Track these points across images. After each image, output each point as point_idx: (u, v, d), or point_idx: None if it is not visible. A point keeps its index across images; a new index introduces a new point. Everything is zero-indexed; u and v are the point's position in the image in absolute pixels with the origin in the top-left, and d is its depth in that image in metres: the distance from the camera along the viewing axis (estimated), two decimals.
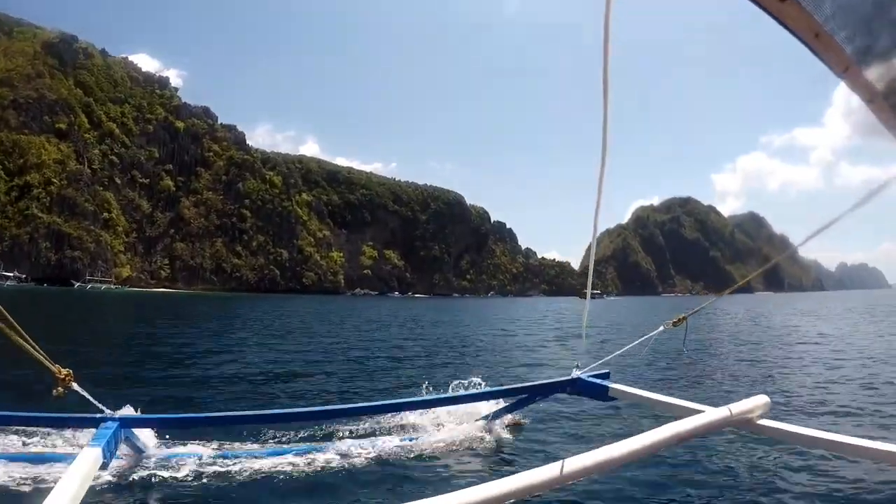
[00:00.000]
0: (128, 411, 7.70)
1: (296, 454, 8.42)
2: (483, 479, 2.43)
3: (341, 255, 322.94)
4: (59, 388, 6.54)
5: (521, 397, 9.70)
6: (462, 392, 10.12)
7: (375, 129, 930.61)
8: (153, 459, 7.96)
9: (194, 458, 8.10)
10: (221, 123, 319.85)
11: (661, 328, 8.20)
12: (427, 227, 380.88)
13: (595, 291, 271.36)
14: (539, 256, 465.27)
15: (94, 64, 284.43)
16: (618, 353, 8.71)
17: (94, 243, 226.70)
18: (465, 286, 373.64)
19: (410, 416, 10.08)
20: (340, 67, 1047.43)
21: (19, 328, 6.01)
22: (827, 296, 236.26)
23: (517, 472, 2.63)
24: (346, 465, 8.17)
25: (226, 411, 11.24)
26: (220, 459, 8.14)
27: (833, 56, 1.42)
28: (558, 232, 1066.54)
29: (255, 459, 8.20)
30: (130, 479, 7.43)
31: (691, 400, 7.28)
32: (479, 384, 10.56)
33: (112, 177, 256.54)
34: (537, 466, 2.63)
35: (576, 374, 8.69)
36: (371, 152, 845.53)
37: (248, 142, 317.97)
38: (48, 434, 8.67)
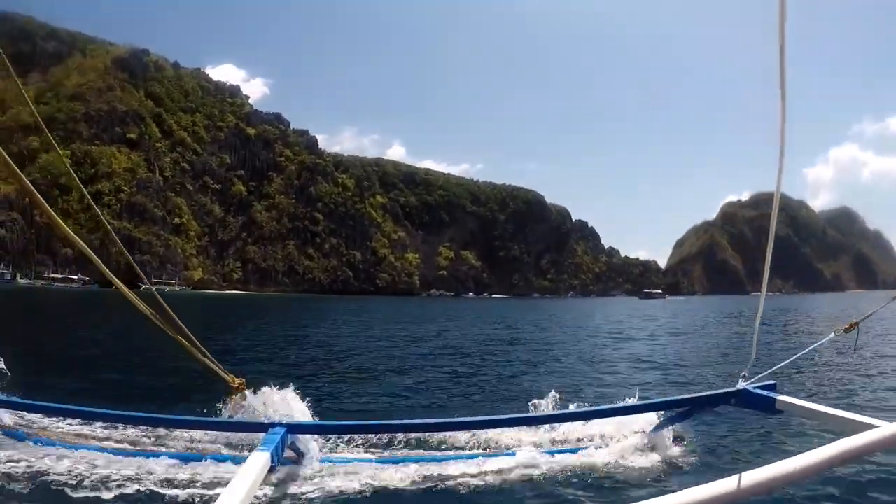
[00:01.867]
0: (293, 417, 8.18)
1: (458, 462, 8.43)
2: (651, 494, 2.33)
3: (417, 256, 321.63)
4: (233, 396, 7.35)
5: (684, 409, 9.04)
6: (623, 404, 9.98)
7: (462, 132, 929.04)
8: (317, 465, 8.14)
9: (356, 464, 8.29)
10: (293, 129, 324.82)
11: (832, 335, 8.12)
12: (506, 227, 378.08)
13: (656, 291, 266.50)
14: (623, 255, 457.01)
15: (165, 76, 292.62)
16: (786, 362, 8.59)
17: (164, 247, 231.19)
18: (546, 286, 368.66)
19: (573, 428, 9.88)
20: (425, 70, 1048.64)
21: (196, 340, 6.86)
22: None
23: (685, 486, 2.61)
24: (506, 477, 8.04)
25: (387, 419, 10.90)
26: (384, 466, 8.23)
27: None
28: (646, 230, 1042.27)
29: (417, 467, 8.18)
30: (295, 483, 7.71)
31: (863, 413, 7.06)
32: (641, 397, 10.44)
33: (184, 183, 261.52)
34: (710, 481, 2.64)
35: (741, 385, 7.99)
36: (457, 154, 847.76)
37: (334, 147, 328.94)
38: (217, 437, 9.11)
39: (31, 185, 5.31)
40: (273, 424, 7.21)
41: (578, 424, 9.81)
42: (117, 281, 6.24)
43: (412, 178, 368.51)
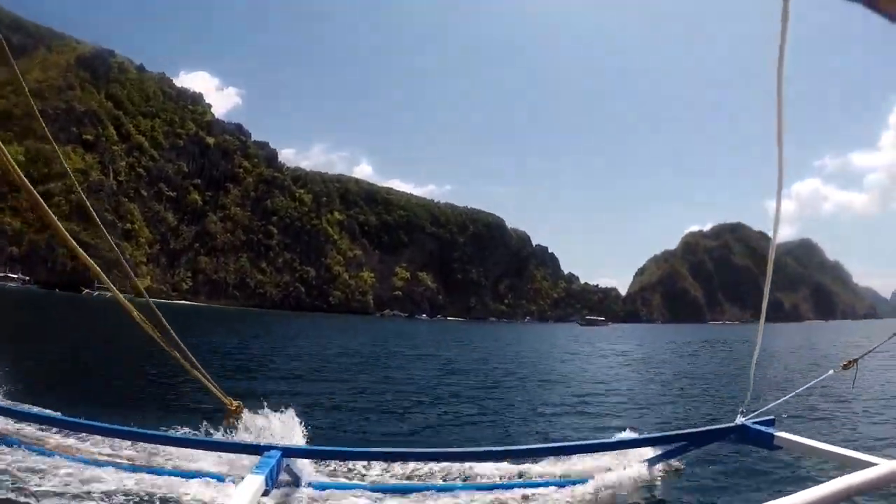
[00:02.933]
0: (289, 441, 8.44)
1: (458, 494, 8.50)
2: None
3: (372, 275, 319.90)
4: (230, 419, 7.72)
5: (681, 444, 9.29)
6: (619, 438, 10.17)
7: (430, 153, 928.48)
8: (311, 490, 8.25)
9: (350, 490, 8.39)
10: (254, 140, 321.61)
11: (831, 371, 8.27)
12: (465, 250, 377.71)
13: (599, 318, 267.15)
14: (583, 282, 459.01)
15: (128, 78, 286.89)
16: (784, 398, 8.70)
17: (111, 252, 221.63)
18: (503, 310, 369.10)
19: (568, 461, 9.92)
20: (396, 90, 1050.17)
21: (193, 358, 7.20)
22: (885, 323, 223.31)
23: None
24: None
25: (383, 447, 11.11)
26: (378, 494, 8.32)
27: None
28: (611, 259, 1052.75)
29: (411, 497, 8.36)
30: None
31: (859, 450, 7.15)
32: (638, 431, 10.91)
33: (138, 189, 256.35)
34: None
35: (740, 420, 8.36)
36: (425, 175, 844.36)
37: (303, 162, 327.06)
38: (213, 458, 9.04)
39: (38, 196, 5.83)
40: (268, 447, 7.30)
41: (574, 457, 9.80)
42: (120, 295, 6.45)
43: (373, 196, 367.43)
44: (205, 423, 9.40)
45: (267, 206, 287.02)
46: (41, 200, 5.97)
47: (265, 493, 6.34)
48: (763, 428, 7.99)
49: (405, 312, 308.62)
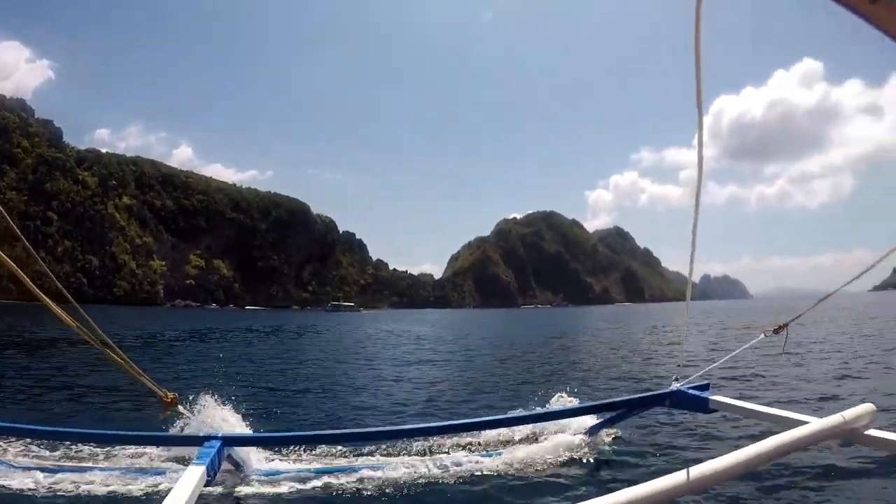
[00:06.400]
0: (230, 429, 8.64)
1: (394, 470, 8.75)
2: (583, 497, 2.33)
3: (163, 263, 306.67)
4: (167, 411, 7.48)
5: (620, 411, 9.69)
6: (559, 407, 10.74)
7: (254, 136, 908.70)
8: (255, 477, 8.42)
9: (295, 474, 8.58)
10: (37, 118, 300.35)
11: (762, 336, 8.17)
12: (267, 236, 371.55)
13: (348, 304, 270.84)
14: (391, 268, 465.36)
15: None
16: (717, 363, 8.86)
17: None
18: (307, 298, 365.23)
19: (507, 432, 10.40)
20: (222, 70, 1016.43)
21: (124, 354, 6.99)
22: (693, 305, 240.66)
23: (619, 487, 2.76)
24: (447, 481, 8.41)
25: (325, 429, 11.55)
26: (321, 476, 8.52)
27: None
28: (433, 245, 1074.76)
29: (354, 475, 8.54)
30: (233, 496, 7.91)
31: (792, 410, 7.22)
32: (574, 400, 11.51)
33: None
34: (639, 482, 2.80)
35: (675, 386, 8.54)
36: (248, 160, 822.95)
37: (119, 143, 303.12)
38: (153, 452, 9.25)
39: None
40: (208, 437, 7.33)
41: (516, 428, 10.35)
42: (44, 296, 6.61)
43: (171, 179, 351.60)
44: (141, 418, 9.73)
45: (46, 190, 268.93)
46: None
47: (207, 484, 6.38)
48: (698, 392, 8.26)
49: (198, 302, 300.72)
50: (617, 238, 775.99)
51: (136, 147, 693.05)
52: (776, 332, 7.90)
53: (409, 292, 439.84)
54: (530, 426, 10.38)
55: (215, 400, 9.65)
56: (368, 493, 7.94)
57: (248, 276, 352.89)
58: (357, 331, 64.88)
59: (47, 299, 6.70)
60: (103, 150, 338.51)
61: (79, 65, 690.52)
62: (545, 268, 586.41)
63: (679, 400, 8.45)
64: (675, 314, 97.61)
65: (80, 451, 9.40)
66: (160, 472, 8.40)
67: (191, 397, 9.21)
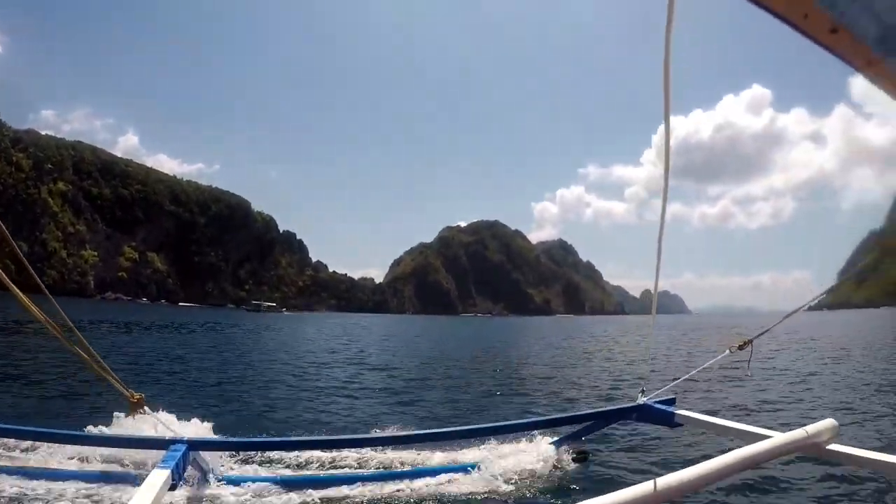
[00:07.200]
0: (196, 433, 8.61)
1: (361, 480, 8.74)
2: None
3: (95, 254, 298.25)
4: (133, 412, 7.41)
5: (586, 424, 9.64)
6: (525, 420, 10.52)
7: (204, 128, 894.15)
8: (220, 481, 8.33)
9: (260, 481, 8.45)
10: None
11: (727, 352, 8.04)
12: (205, 232, 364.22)
13: (270, 304, 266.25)
14: (331, 270, 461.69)
15: None
16: (683, 378, 8.75)
17: None
18: (243, 297, 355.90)
19: (473, 443, 10.20)
20: (176, 58, 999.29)
21: (97, 355, 6.87)
22: (632, 319, 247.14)
23: (586, 499, 2.81)
24: (410, 492, 8.41)
25: (293, 436, 11.40)
26: (286, 483, 8.45)
27: (887, 80, 1.38)
28: (379, 250, 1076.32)
29: (319, 484, 8.50)
30: (198, 500, 7.83)
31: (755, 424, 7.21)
32: (542, 413, 11.61)
33: None
34: (603, 494, 2.84)
35: (641, 400, 8.58)
36: (195, 152, 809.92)
37: (63, 126, 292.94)
38: (119, 454, 8.91)
39: None
40: (174, 441, 7.29)
41: (482, 440, 10.16)
42: (14, 287, 6.29)
43: (111, 167, 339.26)
44: (104, 419, 9.38)
45: None
46: None
47: (172, 488, 6.37)
48: (664, 406, 8.34)
49: (129, 296, 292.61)
50: (560, 251, 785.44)
51: (80, 131, 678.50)
52: (741, 347, 7.86)
53: (347, 296, 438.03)
54: (496, 438, 10.18)
55: (182, 403, 9.83)
56: (333, 501, 8.01)
57: (184, 271, 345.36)
58: (262, 333, 62.38)
59: (16, 289, 6.35)
60: (43, 133, 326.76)
61: (29, 41, 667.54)
62: (487, 277, 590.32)
63: (645, 414, 8.53)
64: (623, 327, 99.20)
65: (37, 450, 9.11)
66: (123, 475, 8.26)
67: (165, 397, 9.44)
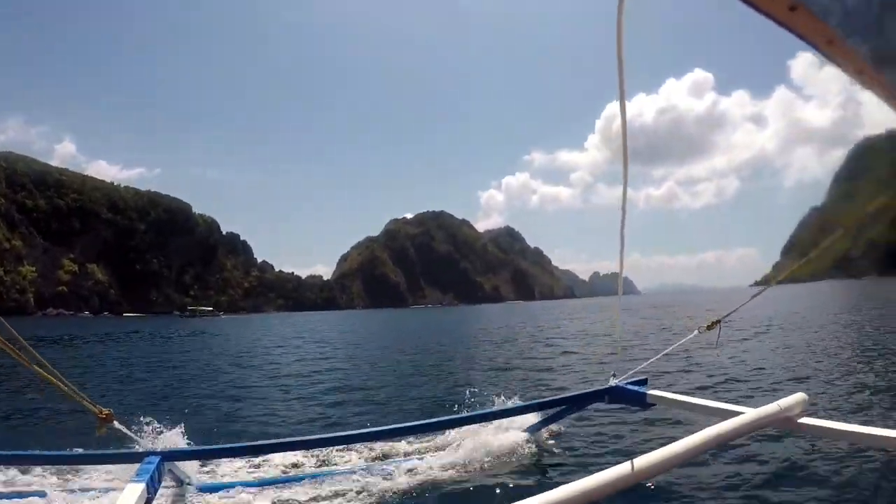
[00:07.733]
0: (170, 443, 8.46)
1: (340, 478, 8.68)
2: (526, 494, 3.08)
3: (33, 269, 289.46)
4: (102, 428, 7.19)
5: (560, 409, 9.77)
6: (498, 408, 10.52)
7: (142, 132, 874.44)
8: (197, 491, 8.24)
9: (238, 486, 8.35)
10: None
11: (696, 332, 8.24)
12: (145, 238, 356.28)
13: (205, 308, 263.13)
14: (277, 270, 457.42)
15: None
16: (653, 359, 8.92)
17: None
18: (189, 303, 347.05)
19: (448, 434, 10.26)
20: (112, 59, 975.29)
21: (59, 374, 6.81)
22: (581, 302, 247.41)
23: (564, 482, 2.79)
24: (388, 485, 8.28)
25: (267, 439, 10.94)
26: (264, 487, 8.42)
27: (847, 60, 1.40)
28: (326, 247, 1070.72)
29: (299, 485, 8.47)
30: None
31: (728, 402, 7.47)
32: (515, 399, 11.11)
33: None
34: (577, 478, 2.83)
35: (613, 382, 8.79)
36: (135, 157, 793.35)
37: None
38: (91, 471, 8.82)
39: None
40: (147, 453, 7.21)
41: (455, 430, 10.16)
42: None
43: (44, 178, 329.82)
44: (73, 437, 9.21)
45: None
46: None
47: (148, 501, 6.30)
48: (636, 388, 8.46)
49: (72, 311, 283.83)
50: (507, 238, 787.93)
51: (15, 142, 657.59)
52: (709, 328, 8.14)
53: (295, 295, 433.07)
54: (470, 427, 10.07)
55: (153, 415, 9.49)
56: (314, 500, 7.93)
57: (126, 281, 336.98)
58: (195, 339, 58.32)
59: None
60: None
61: None
62: (435, 268, 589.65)
63: (617, 395, 8.80)
64: (574, 310, 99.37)
65: (5, 472, 8.74)
66: (97, 492, 8.02)
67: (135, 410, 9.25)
